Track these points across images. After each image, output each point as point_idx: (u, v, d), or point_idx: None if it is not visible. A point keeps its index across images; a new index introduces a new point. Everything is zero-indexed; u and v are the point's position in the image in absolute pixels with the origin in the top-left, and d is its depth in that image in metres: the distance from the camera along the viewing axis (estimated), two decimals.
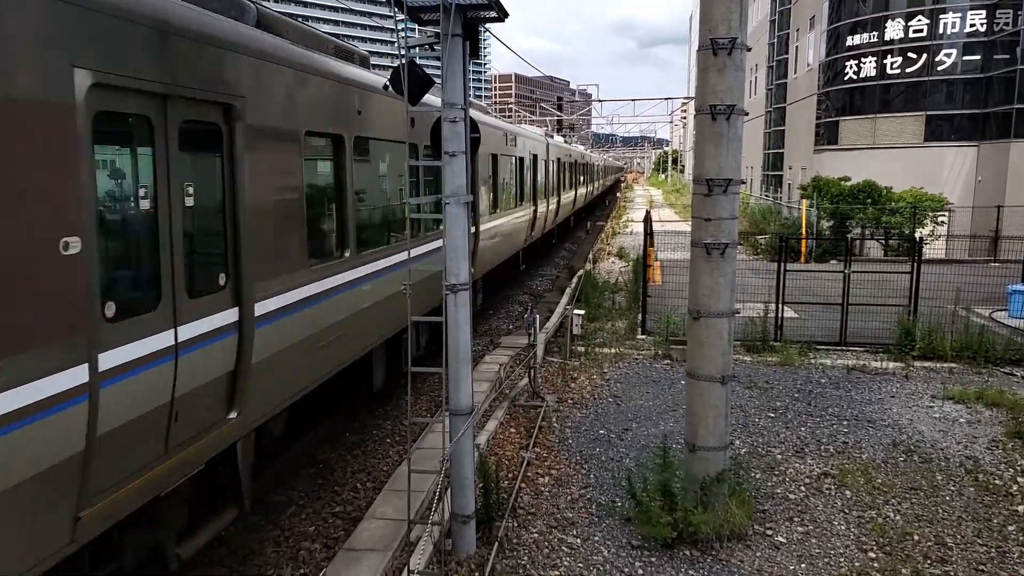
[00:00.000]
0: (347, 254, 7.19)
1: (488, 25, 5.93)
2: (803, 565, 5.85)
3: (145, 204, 4.48)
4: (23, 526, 3.61)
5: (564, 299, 15.94)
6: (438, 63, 5.43)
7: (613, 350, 12.22)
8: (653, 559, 5.92)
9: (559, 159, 25.06)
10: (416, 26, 5.84)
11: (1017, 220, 21.61)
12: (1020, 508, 6.78)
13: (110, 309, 4.09)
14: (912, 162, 25.22)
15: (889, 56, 25.88)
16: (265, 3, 6.68)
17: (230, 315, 5.20)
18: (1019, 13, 23.50)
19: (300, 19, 8.56)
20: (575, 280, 18.02)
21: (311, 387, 6.61)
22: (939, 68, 25.14)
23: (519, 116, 62.24)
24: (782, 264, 12.83)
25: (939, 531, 6.37)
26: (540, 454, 7.99)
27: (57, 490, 3.76)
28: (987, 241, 22.22)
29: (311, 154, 6.64)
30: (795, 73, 35.93)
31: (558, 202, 24.55)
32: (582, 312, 13.37)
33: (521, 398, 9.79)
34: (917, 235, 17.24)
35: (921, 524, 6.49)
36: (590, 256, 23.90)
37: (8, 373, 3.43)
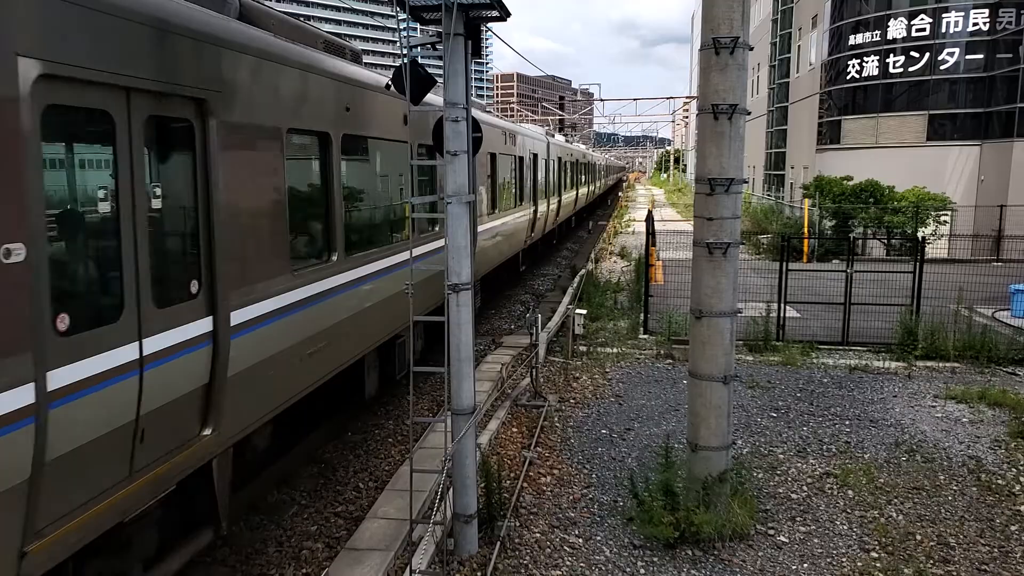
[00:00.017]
0: (334, 258, 6.87)
1: (490, 24, 5.94)
2: (805, 565, 5.85)
3: (105, 207, 4.16)
4: None
5: (566, 299, 15.92)
6: (440, 63, 5.42)
7: (615, 350, 12.21)
8: (655, 559, 5.91)
9: (560, 158, 24.93)
10: (418, 25, 5.84)
11: (1020, 220, 21.60)
12: (1023, 508, 6.77)
13: (63, 322, 3.76)
14: (915, 161, 25.18)
15: (892, 55, 25.83)
16: (268, 2, 6.68)
17: (203, 325, 4.87)
18: (1022, 12, 23.45)
19: (303, 18, 8.53)
20: (577, 280, 18.01)
21: (296, 398, 6.29)
22: (942, 67, 25.08)
23: (521, 115, 62.21)
24: (784, 264, 12.82)
25: (942, 531, 6.36)
26: (542, 454, 7.99)
27: None
28: (990, 241, 22.20)
29: (295, 153, 6.34)
30: (797, 72, 35.87)
31: (559, 202, 24.33)
32: (584, 312, 13.37)
33: (523, 398, 9.78)
34: (919, 235, 17.23)
35: (924, 524, 6.48)
36: (592, 256, 23.89)
37: None
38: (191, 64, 4.71)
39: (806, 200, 24.57)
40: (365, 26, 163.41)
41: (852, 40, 27.09)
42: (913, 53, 25.42)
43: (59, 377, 3.71)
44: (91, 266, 4.24)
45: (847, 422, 8.90)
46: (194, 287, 4.84)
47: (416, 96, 5.39)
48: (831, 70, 28.49)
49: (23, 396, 3.49)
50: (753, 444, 8.22)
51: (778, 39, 38.58)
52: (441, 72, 5.57)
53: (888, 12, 25.92)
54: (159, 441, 4.50)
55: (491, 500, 6.32)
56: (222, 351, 5.00)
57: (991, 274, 15.58)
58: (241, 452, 6.06)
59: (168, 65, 4.47)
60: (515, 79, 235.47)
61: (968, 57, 24.68)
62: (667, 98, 57.68)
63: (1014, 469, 7.57)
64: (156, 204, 4.51)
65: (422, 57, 6.56)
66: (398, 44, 5.33)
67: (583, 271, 19.14)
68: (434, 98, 7.47)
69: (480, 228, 12.87)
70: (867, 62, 26.56)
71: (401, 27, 5.26)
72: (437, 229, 9.75)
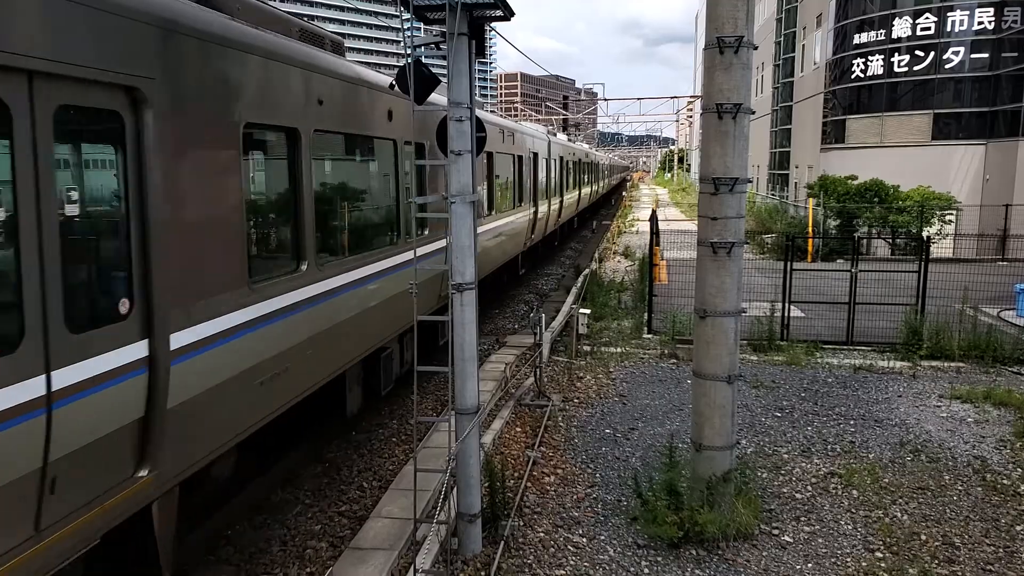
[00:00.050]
0: (303, 268, 6.16)
1: (494, 24, 5.94)
2: (810, 565, 5.84)
3: None
4: None
5: (570, 298, 15.92)
6: (444, 62, 5.42)
7: (619, 349, 12.21)
8: (659, 558, 5.91)
9: (562, 157, 24.65)
10: (422, 25, 5.84)
11: None
12: None
13: None
14: (919, 161, 25.13)
15: (896, 54, 25.78)
16: (272, 3, 6.67)
17: (136, 350, 4.20)
18: None
19: (306, 18, 8.43)
20: (581, 279, 18.00)
21: (259, 425, 5.61)
22: (947, 66, 25.03)
23: (525, 115, 62.24)
24: (789, 263, 12.80)
25: (947, 531, 6.35)
26: (546, 453, 7.99)
27: None
28: (995, 240, 22.13)
29: (255, 150, 5.76)
30: (802, 71, 35.83)
31: (560, 203, 23.97)
32: (588, 311, 13.37)
33: (527, 397, 9.78)
34: (924, 234, 17.18)
35: (928, 524, 6.47)
36: (596, 255, 23.88)
37: None
38: (119, 46, 4.01)
39: (810, 199, 24.53)
40: (369, 26, 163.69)
41: (857, 39, 27.04)
42: (918, 52, 25.37)
43: None
44: None
45: (852, 422, 8.88)
46: (123, 307, 4.17)
47: (420, 96, 5.39)
48: (835, 69, 28.44)
49: None
50: (757, 444, 8.21)
51: (782, 38, 38.56)
52: (445, 72, 5.57)
53: (893, 11, 25.88)
54: (76, 490, 3.84)
55: (495, 499, 6.32)
56: (161, 379, 4.35)
57: (996, 273, 15.53)
58: (200, 482, 5.52)
59: (87, 46, 3.82)
60: (519, 79, 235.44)
61: (973, 56, 24.64)
62: (671, 97, 57.85)
63: (1019, 469, 7.54)
64: (72, 210, 3.91)
65: (426, 57, 6.55)
66: (402, 44, 5.32)
67: (587, 271, 19.14)
68: (436, 97, 7.38)
69: (477, 230, 12.69)
70: (872, 61, 26.51)
71: (405, 27, 5.26)
72: (427, 233, 9.26)
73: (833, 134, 28.67)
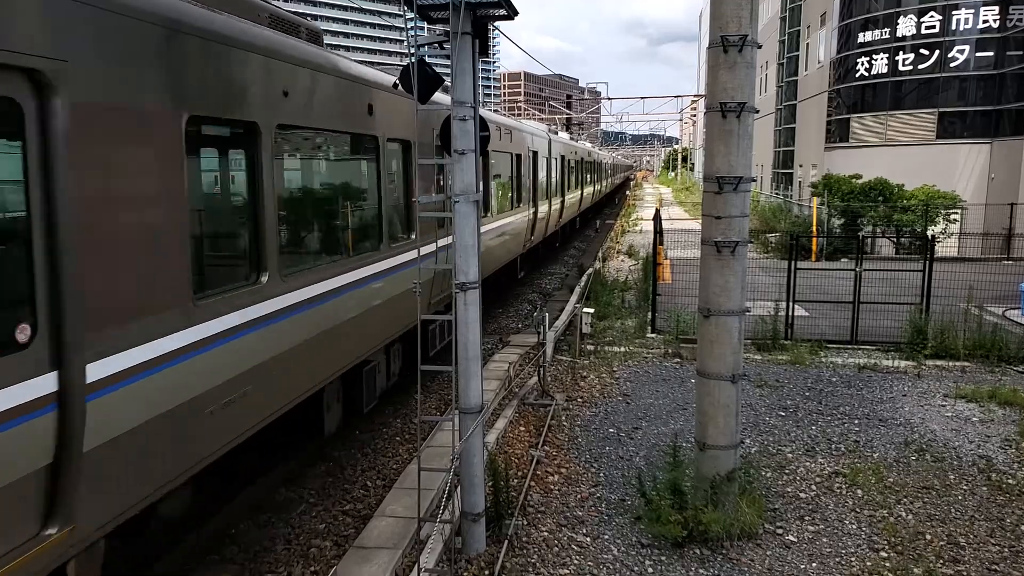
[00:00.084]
0: (263, 279, 5.50)
1: (497, 23, 5.94)
2: (814, 564, 5.83)
3: None
4: None
5: (573, 297, 15.92)
6: (447, 61, 5.42)
7: (623, 348, 12.20)
8: (663, 558, 5.90)
9: (563, 156, 24.33)
10: (426, 24, 5.84)
11: None
12: None
13: None
14: (924, 159, 25.06)
15: (901, 52, 25.71)
16: (276, 3, 6.67)
17: (42, 384, 3.57)
18: None
19: (309, 17, 8.38)
20: (584, 278, 17.99)
21: (211, 459, 4.96)
22: (952, 65, 24.95)
23: (528, 114, 62.22)
24: (793, 262, 12.78)
25: (951, 530, 6.33)
26: (550, 453, 8.00)
27: None
28: (1000, 239, 22.07)
29: (203, 147, 5.12)
30: (806, 70, 35.74)
31: (562, 203, 23.61)
32: (591, 310, 13.36)
33: (530, 397, 9.79)
34: (929, 233, 17.14)
35: (933, 523, 6.45)
36: (599, 254, 23.87)
37: None
38: (14, 21, 3.40)
39: (814, 198, 24.48)
40: (373, 25, 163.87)
41: (861, 37, 26.98)
42: (923, 50, 25.29)
43: None
44: None
45: (856, 421, 8.86)
46: (23, 334, 3.51)
47: (424, 95, 5.39)
48: (840, 68, 28.38)
49: None
50: (761, 443, 8.20)
51: (786, 37, 38.46)
52: (448, 71, 5.57)
53: (898, 9, 25.81)
54: None
55: (499, 498, 6.33)
56: (75, 418, 3.72)
57: (1001, 273, 15.50)
58: (145, 520, 5.00)
59: None
60: (522, 78, 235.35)
61: (978, 54, 24.56)
62: (675, 96, 57.88)
63: None
64: None
65: (429, 56, 6.56)
66: (406, 43, 5.31)
67: (590, 270, 19.13)
68: (440, 97, 7.31)
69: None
70: (876, 59, 26.44)
71: (409, 26, 5.26)
72: (413, 237, 8.67)
73: (837, 133, 28.61)
